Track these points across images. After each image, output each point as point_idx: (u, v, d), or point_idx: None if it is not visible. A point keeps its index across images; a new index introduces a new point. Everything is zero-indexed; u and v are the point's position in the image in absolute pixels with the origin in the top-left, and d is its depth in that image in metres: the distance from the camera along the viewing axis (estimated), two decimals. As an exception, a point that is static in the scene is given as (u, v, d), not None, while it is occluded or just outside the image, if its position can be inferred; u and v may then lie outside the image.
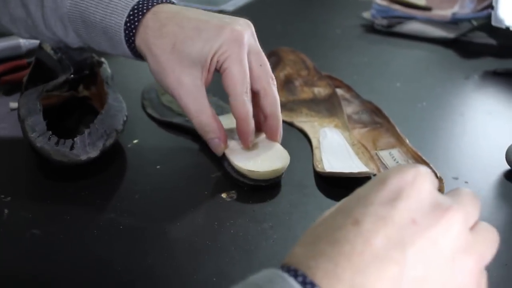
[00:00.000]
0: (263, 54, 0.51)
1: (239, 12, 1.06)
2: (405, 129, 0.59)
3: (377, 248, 0.25)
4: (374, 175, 0.51)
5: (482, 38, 0.93)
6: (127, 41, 0.51)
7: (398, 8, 0.97)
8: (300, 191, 0.51)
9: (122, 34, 0.50)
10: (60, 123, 0.59)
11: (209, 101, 0.50)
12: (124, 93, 0.62)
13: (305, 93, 0.68)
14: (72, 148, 0.50)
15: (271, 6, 1.14)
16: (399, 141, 0.57)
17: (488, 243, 0.28)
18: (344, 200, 0.28)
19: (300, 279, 0.24)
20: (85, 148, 0.50)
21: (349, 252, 0.25)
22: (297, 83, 0.70)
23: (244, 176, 0.50)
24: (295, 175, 0.53)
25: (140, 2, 0.50)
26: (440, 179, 0.50)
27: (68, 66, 0.61)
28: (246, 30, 0.49)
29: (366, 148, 0.56)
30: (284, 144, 0.54)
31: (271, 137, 0.54)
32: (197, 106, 0.49)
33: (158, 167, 0.55)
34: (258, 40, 0.51)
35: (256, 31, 0.51)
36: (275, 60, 0.74)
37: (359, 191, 0.28)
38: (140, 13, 0.50)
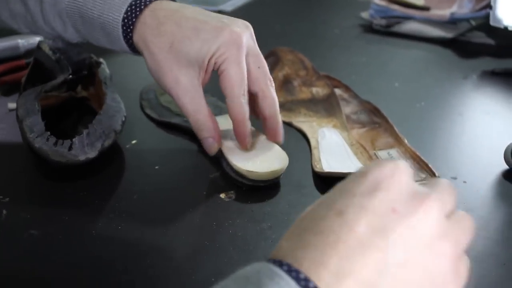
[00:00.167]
0: (261, 56, 0.51)
1: (238, 12, 1.06)
2: (404, 129, 0.59)
3: (360, 236, 0.26)
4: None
5: (480, 38, 0.93)
6: (124, 37, 0.51)
7: (397, 8, 0.97)
8: (299, 191, 0.51)
9: (120, 30, 0.50)
10: (58, 123, 0.59)
11: (207, 101, 0.50)
12: (123, 93, 0.62)
13: (304, 93, 0.68)
14: (70, 148, 0.50)
15: (270, 6, 1.14)
16: (398, 141, 0.57)
17: (463, 229, 0.29)
18: (326, 194, 0.29)
19: (285, 268, 0.25)
20: (84, 148, 0.50)
21: (334, 241, 0.26)
22: (296, 83, 0.70)
23: (243, 177, 0.50)
24: (294, 175, 0.53)
25: None
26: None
27: (66, 67, 0.61)
28: (244, 32, 0.49)
29: (364, 148, 0.56)
30: (282, 144, 0.54)
31: (272, 139, 0.53)
32: (194, 106, 0.49)
33: (156, 167, 0.55)
34: (257, 40, 0.51)
35: (254, 31, 0.51)
36: (274, 60, 0.74)
37: (341, 185, 0.29)
38: (138, 9, 0.50)
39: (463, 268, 0.29)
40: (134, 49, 0.52)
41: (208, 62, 0.48)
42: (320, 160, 0.54)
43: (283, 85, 0.70)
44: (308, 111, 0.64)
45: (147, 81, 0.69)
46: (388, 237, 0.26)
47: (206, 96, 0.50)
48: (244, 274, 0.26)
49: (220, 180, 0.53)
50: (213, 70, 0.49)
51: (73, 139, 0.50)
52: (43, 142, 0.50)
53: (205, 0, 1.10)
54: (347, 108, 0.65)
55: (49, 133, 0.51)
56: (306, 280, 0.25)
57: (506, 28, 0.84)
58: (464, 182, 0.53)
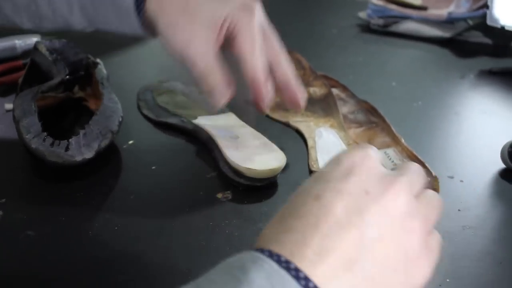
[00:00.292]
0: (271, 27, 0.51)
1: (235, 12, 1.06)
2: (401, 128, 0.59)
3: (338, 216, 0.28)
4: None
5: (477, 37, 0.93)
6: (137, 8, 0.50)
7: (394, 8, 0.97)
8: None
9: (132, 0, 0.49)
10: (55, 124, 0.59)
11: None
12: (120, 94, 0.62)
13: (301, 93, 0.68)
14: (67, 149, 0.49)
15: (268, 6, 1.14)
16: (395, 141, 0.57)
17: (431, 207, 0.31)
18: (303, 183, 0.32)
19: (266, 253, 0.27)
20: (80, 149, 0.50)
21: (314, 223, 0.28)
22: (293, 83, 0.69)
23: (240, 175, 0.50)
24: (291, 175, 0.53)
25: None
26: (435, 178, 0.50)
27: (63, 67, 0.61)
28: (256, 2, 0.50)
29: (361, 148, 0.56)
30: (279, 144, 0.54)
31: (294, 106, 0.52)
32: (206, 63, 0.48)
33: (153, 167, 0.54)
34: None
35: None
36: (271, 60, 0.73)
37: (318, 173, 0.32)
38: None
39: (434, 243, 0.31)
40: (144, 24, 0.51)
41: (221, 25, 0.48)
42: (317, 160, 0.54)
43: (280, 85, 0.70)
44: (305, 111, 0.64)
45: (144, 81, 0.69)
46: (363, 216, 0.28)
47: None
48: (227, 262, 0.28)
49: (217, 180, 0.53)
50: (226, 37, 0.48)
51: (70, 140, 0.50)
52: (39, 143, 0.50)
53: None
54: (344, 108, 0.65)
55: (45, 133, 0.51)
56: (287, 262, 0.26)
57: (503, 28, 0.84)
58: (461, 181, 0.53)
